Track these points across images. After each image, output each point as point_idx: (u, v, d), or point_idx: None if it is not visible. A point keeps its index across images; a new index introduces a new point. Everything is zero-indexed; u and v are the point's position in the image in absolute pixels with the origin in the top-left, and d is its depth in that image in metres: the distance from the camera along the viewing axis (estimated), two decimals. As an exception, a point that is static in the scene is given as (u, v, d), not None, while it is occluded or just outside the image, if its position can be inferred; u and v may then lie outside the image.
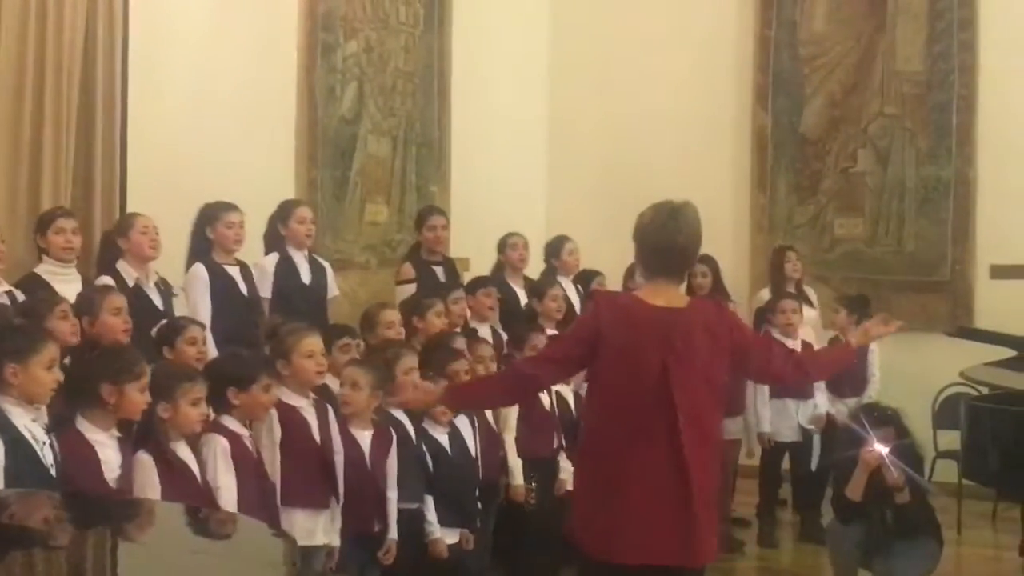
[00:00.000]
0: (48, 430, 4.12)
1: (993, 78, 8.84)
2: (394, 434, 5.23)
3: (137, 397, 4.24)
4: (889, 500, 5.78)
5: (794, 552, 7.53)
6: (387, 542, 5.15)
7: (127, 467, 4.22)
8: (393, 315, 6.12)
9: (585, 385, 6.36)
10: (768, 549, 7.46)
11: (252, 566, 3.14)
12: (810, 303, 8.32)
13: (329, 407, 5.02)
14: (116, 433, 4.25)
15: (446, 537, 5.42)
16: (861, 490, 5.83)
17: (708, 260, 7.85)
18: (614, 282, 7.86)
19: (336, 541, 4.93)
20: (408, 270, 7.27)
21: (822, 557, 6.62)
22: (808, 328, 8.03)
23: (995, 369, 6.50)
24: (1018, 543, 6.96)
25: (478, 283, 7.13)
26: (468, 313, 6.86)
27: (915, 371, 8.32)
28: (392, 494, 5.19)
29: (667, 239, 4.10)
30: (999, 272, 8.82)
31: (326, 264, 6.72)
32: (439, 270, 7.32)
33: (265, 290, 6.31)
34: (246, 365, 4.83)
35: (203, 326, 5.48)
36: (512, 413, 6.08)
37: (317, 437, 4.92)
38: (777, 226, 9.45)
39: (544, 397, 6.24)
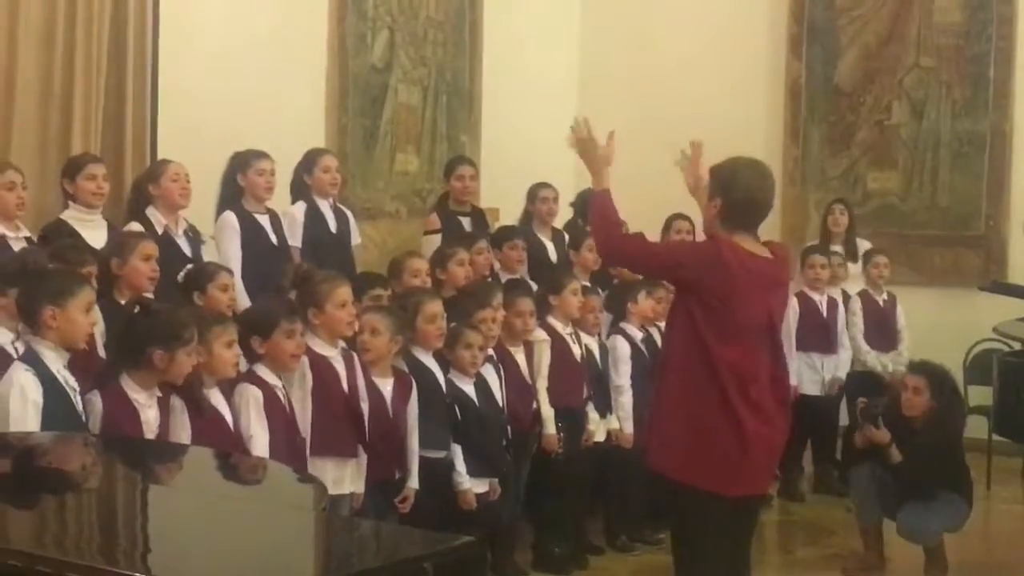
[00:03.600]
0: (93, 385, 4.15)
1: (1032, 30, 8.72)
2: (414, 382, 5.22)
3: (185, 361, 4.25)
4: (884, 457, 5.81)
5: (817, 504, 7.54)
6: (406, 490, 5.15)
7: (165, 424, 4.25)
8: (421, 264, 6.10)
9: (619, 338, 6.47)
10: (792, 502, 7.47)
11: (281, 510, 3.16)
12: (855, 259, 8.24)
13: (355, 355, 5.03)
14: (158, 393, 4.27)
15: (475, 487, 5.43)
16: (862, 440, 5.93)
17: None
18: (650, 234, 7.80)
19: (361, 489, 4.94)
20: (434, 220, 7.25)
21: (844, 510, 6.62)
22: (853, 283, 8.06)
23: (1029, 324, 6.45)
24: (1048, 499, 6.96)
25: (505, 234, 7.10)
26: (497, 265, 6.85)
27: (947, 326, 8.28)
28: (414, 443, 5.19)
29: (764, 197, 4.33)
30: (1034, 227, 8.74)
31: (348, 212, 6.71)
32: (466, 221, 7.29)
33: (295, 239, 6.30)
34: (266, 313, 4.84)
35: (232, 273, 5.48)
36: (544, 362, 6.09)
37: (345, 386, 4.92)
38: (810, 178, 9.38)
39: (574, 347, 6.24)
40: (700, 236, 5.05)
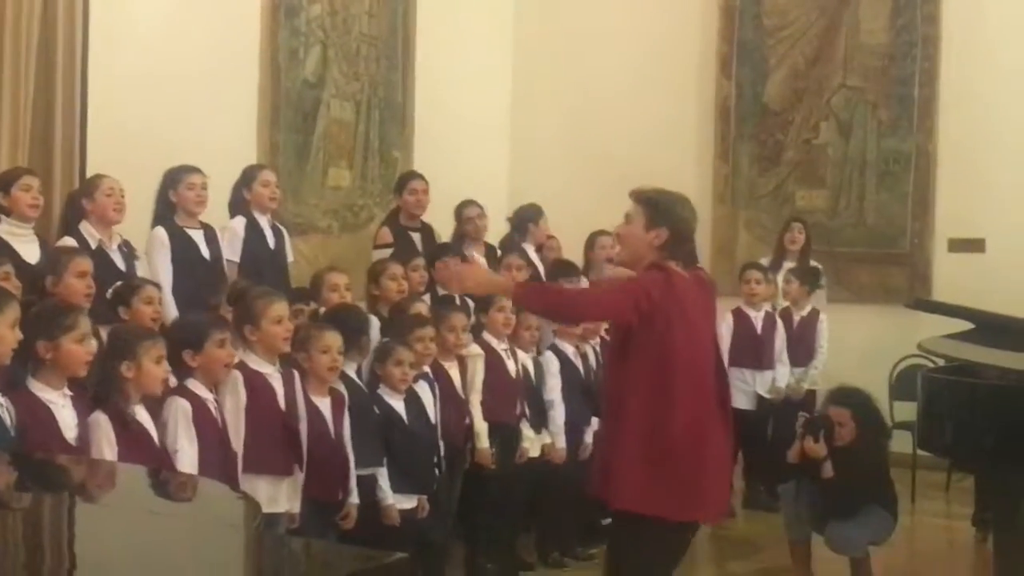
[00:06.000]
0: (1, 392, 4.09)
1: (955, 51, 8.90)
2: (346, 396, 5.22)
3: (75, 348, 4.18)
4: (816, 472, 5.88)
5: (746, 519, 7.61)
6: (347, 506, 5.15)
7: (84, 426, 4.20)
8: (339, 278, 6.10)
9: (549, 353, 6.51)
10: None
11: (214, 528, 3.14)
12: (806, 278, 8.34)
13: (295, 373, 5.01)
14: (68, 392, 4.22)
15: (402, 503, 5.42)
16: (797, 455, 5.98)
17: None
18: (573, 250, 7.86)
19: (297, 508, 4.92)
20: (385, 234, 7.26)
21: (773, 525, 6.69)
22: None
23: (952, 341, 6.54)
24: (970, 514, 7.07)
25: (439, 251, 7.11)
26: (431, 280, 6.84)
27: (873, 342, 8.41)
28: (351, 460, 5.18)
29: (694, 228, 4.52)
30: (957, 245, 8.91)
31: (284, 229, 6.70)
32: (416, 236, 7.30)
33: (235, 253, 6.28)
34: (196, 325, 4.82)
35: (158, 286, 5.46)
36: (478, 377, 6.10)
37: (282, 404, 4.90)
38: (739, 197, 9.49)
39: (510, 363, 6.26)
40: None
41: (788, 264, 8.32)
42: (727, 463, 4.53)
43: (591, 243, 7.72)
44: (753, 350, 7.87)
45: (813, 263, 8.47)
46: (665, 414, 4.26)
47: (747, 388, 7.83)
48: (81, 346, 4.22)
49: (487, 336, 6.24)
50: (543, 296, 4.66)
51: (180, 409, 4.53)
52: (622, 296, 4.38)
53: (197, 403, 4.59)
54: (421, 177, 7.57)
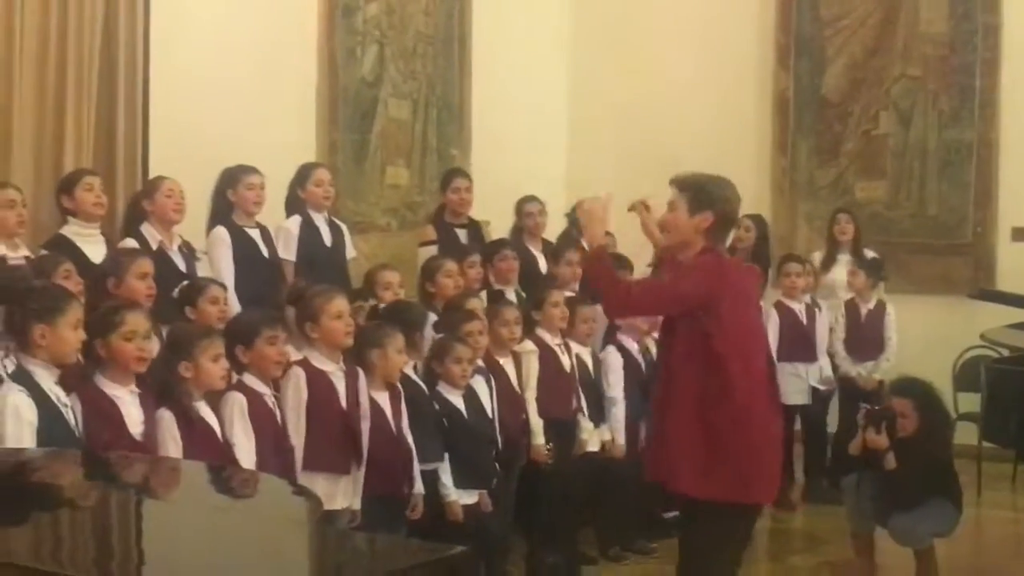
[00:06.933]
0: (68, 389, 4.15)
1: (1017, 40, 8.79)
2: (402, 390, 5.25)
3: (124, 346, 4.20)
4: (878, 463, 5.84)
5: (808, 513, 7.56)
6: (414, 498, 5.19)
7: (150, 422, 4.27)
8: (392, 276, 6.13)
9: (612, 349, 6.50)
10: (783, 511, 7.46)
11: (276, 523, 3.18)
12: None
13: (360, 371, 5.05)
14: (135, 389, 4.29)
15: (463, 499, 5.45)
16: (859, 447, 5.93)
17: (757, 218, 8.31)
18: (632, 247, 7.84)
19: (357, 505, 4.95)
20: (430, 231, 7.29)
21: (836, 518, 6.66)
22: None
23: (1016, 331, 6.49)
24: (1038, 505, 6.99)
25: (496, 247, 7.14)
26: (492, 278, 6.88)
27: (936, 334, 8.33)
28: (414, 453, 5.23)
29: (738, 211, 4.54)
30: (1021, 234, 8.80)
31: (343, 225, 6.74)
32: (462, 233, 7.33)
33: (290, 252, 6.33)
34: (248, 323, 4.88)
35: (224, 286, 5.51)
36: (532, 373, 6.12)
37: (344, 403, 4.93)
38: (798, 189, 9.44)
39: (564, 359, 6.27)
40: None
41: (842, 256, 8.25)
42: (779, 446, 4.50)
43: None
44: (802, 343, 7.79)
45: (873, 254, 8.40)
46: (717, 396, 4.25)
47: (800, 383, 7.73)
48: (131, 343, 4.25)
49: (540, 332, 6.26)
50: (597, 279, 4.58)
51: (236, 404, 4.59)
52: (664, 293, 4.43)
53: (253, 398, 4.65)
54: (465, 174, 7.60)
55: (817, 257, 8.43)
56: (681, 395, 4.32)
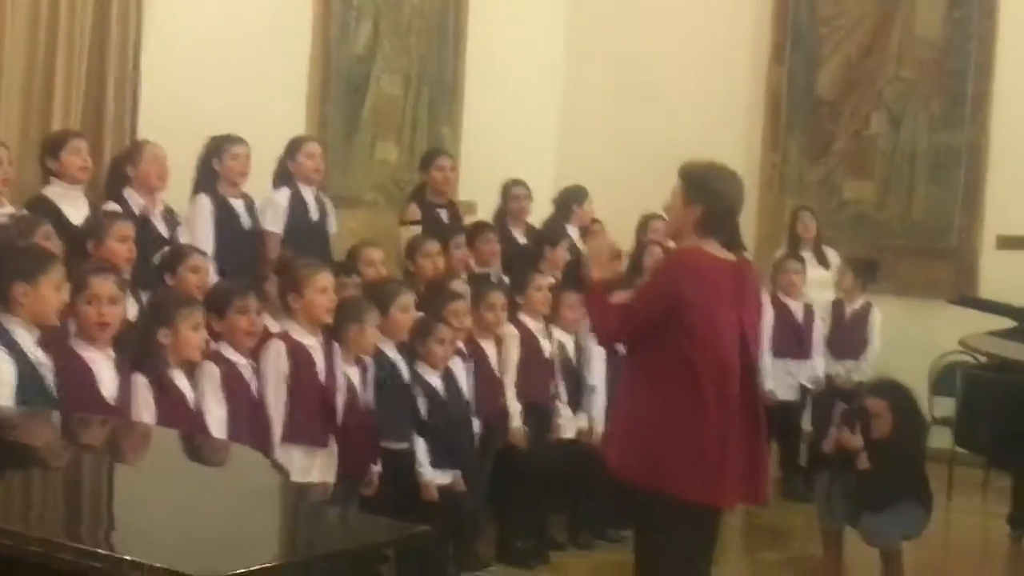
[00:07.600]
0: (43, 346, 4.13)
1: (1011, 47, 8.78)
2: (375, 370, 5.24)
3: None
4: (851, 463, 5.87)
5: (780, 509, 7.58)
6: (370, 474, 5.18)
7: (125, 387, 4.26)
8: (375, 253, 6.12)
9: (592, 335, 6.49)
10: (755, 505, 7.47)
11: (247, 492, 3.18)
12: (825, 265, 8.34)
13: (336, 345, 5.04)
14: (111, 353, 4.28)
15: (438, 478, 5.46)
16: (833, 445, 5.95)
17: None
18: (617, 235, 7.84)
19: (331, 479, 4.97)
20: (414, 211, 7.25)
21: (808, 515, 6.68)
22: (823, 289, 8.11)
23: (994, 339, 6.52)
24: (1006, 513, 7.02)
25: (479, 229, 7.12)
26: (472, 261, 6.87)
27: (916, 337, 8.34)
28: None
29: (740, 206, 4.38)
30: (1005, 243, 8.81)
31: (327, 201, 6.72)
32: (443, 213, 7.31)
33: (277, 225, 6.31)
34: (220, 292, 4.89)
35: (205, 254, 5.50)
36: (512, 357, 6.12)
37: (322, 377, 4.95)
38: (787, 185, 9.43)
39: (544, 343, 6.28)
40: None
41: (805, 254, 8.26)
42: (737, 448, 4.24)
43: (644, 226, 7.67)
44: (795, 340, 7.82)
45: (868, 257, 8.41)
46: (679, 398, 4.19)
47: (791, 380, 7.78)
48: (92, 307, 4.22)
49: (523, 316, 6.26)
50: (595, 311, 4.53)
51: (209, 373, 4.60)
52: (637, 312, 4.30)
53: (228, 368, 4.65)
54: (448, 154, 7.57)
55: (778, 254, 8.42)
56: (629, 381, 4.37)
